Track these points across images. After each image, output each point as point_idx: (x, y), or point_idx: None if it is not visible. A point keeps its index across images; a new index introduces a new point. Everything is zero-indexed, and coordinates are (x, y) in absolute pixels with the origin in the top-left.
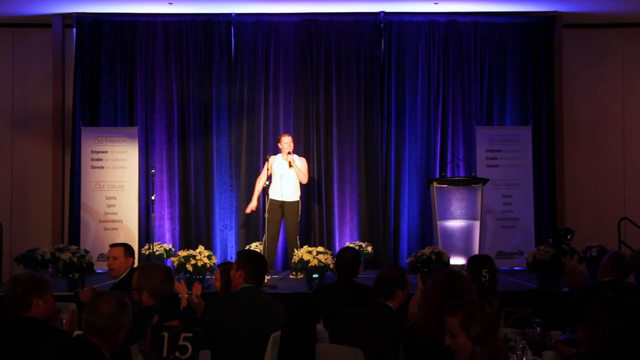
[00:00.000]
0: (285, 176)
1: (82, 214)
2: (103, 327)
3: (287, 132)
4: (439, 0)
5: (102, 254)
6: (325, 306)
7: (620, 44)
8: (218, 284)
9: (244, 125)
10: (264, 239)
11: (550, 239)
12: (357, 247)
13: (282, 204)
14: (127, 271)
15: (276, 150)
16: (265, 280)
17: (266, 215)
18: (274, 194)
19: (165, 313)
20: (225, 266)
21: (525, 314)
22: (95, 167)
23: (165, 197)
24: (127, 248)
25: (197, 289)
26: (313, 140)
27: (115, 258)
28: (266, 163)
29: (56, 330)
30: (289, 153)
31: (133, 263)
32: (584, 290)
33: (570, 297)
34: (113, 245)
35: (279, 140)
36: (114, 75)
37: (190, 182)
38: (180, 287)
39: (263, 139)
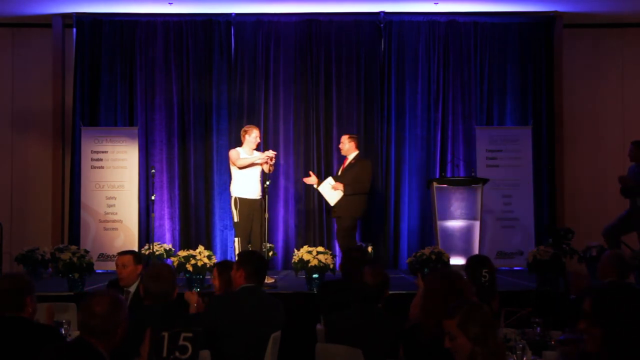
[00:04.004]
0: (255, 173)
1: (82, 214)
2: (99, 328)
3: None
4: (439, 0)
5: (102, 254)
6: (326, 304)
7: (620, 44)
8: (216, 282)
9: (244, 125)
10: (237, 241)
11: (550, 239)
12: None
13: (254, 202)
14: (139, 280)
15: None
16: (273, 281)
17: (237, 219)
18: (246, 192)
19: (166, 314)
20: (223, 265)
21: (525, 314)
22: (95, 167)
23: (165, 197)
24: (135, 255)
25: (201, 306)
26: (313, 140)
27: (124, 266)
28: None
29: (54, 330)
30: (255, 150)
31: (142, 270)
32: (585, 292)
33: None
34: (121, 254)
35: (246, 132)
36: (114, 75)
37: (190, 182)
38: (191, 296)
39: (263, 138)
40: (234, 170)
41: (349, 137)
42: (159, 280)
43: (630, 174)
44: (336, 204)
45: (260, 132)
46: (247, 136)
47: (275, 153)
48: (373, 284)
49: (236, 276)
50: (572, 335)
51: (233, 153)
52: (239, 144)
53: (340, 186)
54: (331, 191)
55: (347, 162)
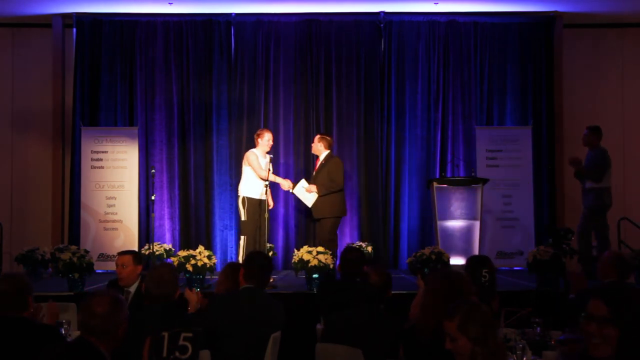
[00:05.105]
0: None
1: (82, 214)
2: (100, 328)
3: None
4: (439, 0)
5: (102, 254)
6: (326, 304)
7: (620, 44)
8: (224, 281)
9: (244, 125)
10: (243, 239)
11: (550, 239)
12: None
13: (259, 202)
14: (139, 280)
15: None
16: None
17: (244, 217)
18: (253, 192)
19: (166, 315)
20: (233, 266)
21: (525, 314)
22: (95, 167)
23: (165, 197)
24: (135, 255)
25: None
26: (313, 140)
27: (124, 266)
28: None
29: (54, 330)
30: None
31: (142, 270)
32: (587, 293)
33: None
34: (121, 253)
35: (259, 135)
36: (114, 75)
37: (190, 182)
38: (191, 295)
39: None
40: (246, 170)
41: (320, 137)
42: (161, 283)
43: (587, 160)
44: (315, 207)
45: (272, 134)
46: (259, 140)
47: (291, 186)
48: (377, 284)
49: (240, 275)
50: (572, 335)
51: (253, 159)
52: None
53: (314, 188)
54: (306, 193)
55: (318, 163)
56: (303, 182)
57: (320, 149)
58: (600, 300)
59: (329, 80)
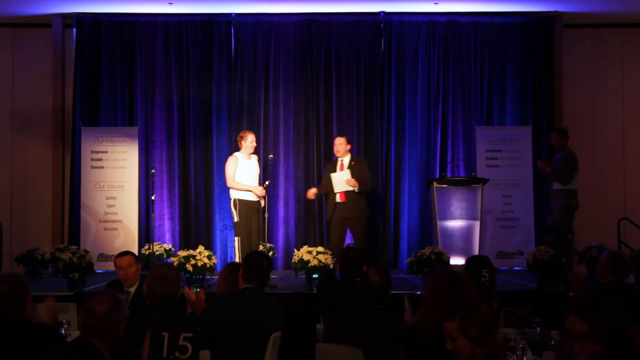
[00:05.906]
0: (254, 175)
1: (82, 214)
2: (101, 327)
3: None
4: (439, 0)
5: (102, 254)
6: (326, 304)
7: (620, 44)
8: (222, 277)
9: (244, 125)
10: (237, 240)
11: (550, 239)
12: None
13: (252, 203)
14: (139, 281)
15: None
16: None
17: (237, 219)
18: (244, 194)
19: (167, 315)
20: (233, 267)
21: (525, 314)
22: (95, 167)
23: (165, 197)
24: (134, 255)
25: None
26: (313, 140)
27: (129, 266)
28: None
29: (54, 330)
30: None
31: (140, 268)
32: (570, 309)
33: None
34: (120, 255)
35: (242, 138)
36: (114, 75)
37: (190, 182)
38: (191, 295)
39: (263, 138)
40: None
41: (346, 139)
42: (165, 284)
43: (555, 161)
44: (352, 208)
45: (255, 135)
46: (243, 142)
47: (264, 194)
48: (377, 284)
49: (240, 275)
50: None
51: (229, 168)
52: (238, 146)
53: (356, 184)
54: (344, 183)
55: (343, 164)
56: (347, 173)
57: (346, 151)
58: (576, 317)
59: (329, 80)
